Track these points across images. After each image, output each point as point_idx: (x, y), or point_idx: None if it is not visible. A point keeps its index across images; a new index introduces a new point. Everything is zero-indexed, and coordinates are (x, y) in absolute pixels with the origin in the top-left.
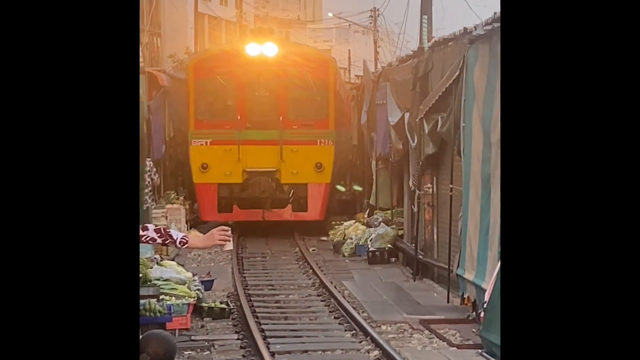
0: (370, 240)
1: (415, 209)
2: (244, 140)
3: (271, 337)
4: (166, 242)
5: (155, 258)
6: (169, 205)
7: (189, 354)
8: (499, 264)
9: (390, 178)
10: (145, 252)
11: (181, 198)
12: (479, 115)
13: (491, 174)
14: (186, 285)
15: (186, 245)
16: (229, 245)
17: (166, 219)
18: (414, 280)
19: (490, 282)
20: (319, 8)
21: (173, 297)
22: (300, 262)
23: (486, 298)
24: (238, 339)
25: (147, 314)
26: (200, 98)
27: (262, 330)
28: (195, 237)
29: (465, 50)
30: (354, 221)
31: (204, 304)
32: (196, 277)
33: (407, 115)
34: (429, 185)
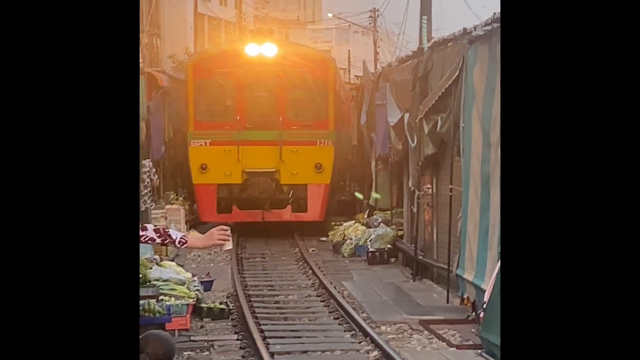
0: (370, 241)
1: (415, 210)
2: (243, 141)
3: (271, 337)
4: (165, 242)
5: (154, 259)
6: (168, 206)
7: (188, 354)
8: (498, 264)
9: (390, 178)
10: (145, 252)
11: (181, 199)
12: (478, 115)
13: (490, 174)
14: (185, 285)
15: (185, 245)
16: (229, 245)
17: (166, 219)
18: (414, 281)
19: (489, 283)
20: (318, 9)
21: (172, 298)
22: (300, 263)
23: (485, 298)
24: (237, 339)
25: (147, 314)
26: (199, 98)
27: (262, 331)
28: (195, 237)
29: (464, 51)
30: (353, 222)
31: (203, 305)
32: (195, 278)
33: (406, 115)
34: (429, 185)
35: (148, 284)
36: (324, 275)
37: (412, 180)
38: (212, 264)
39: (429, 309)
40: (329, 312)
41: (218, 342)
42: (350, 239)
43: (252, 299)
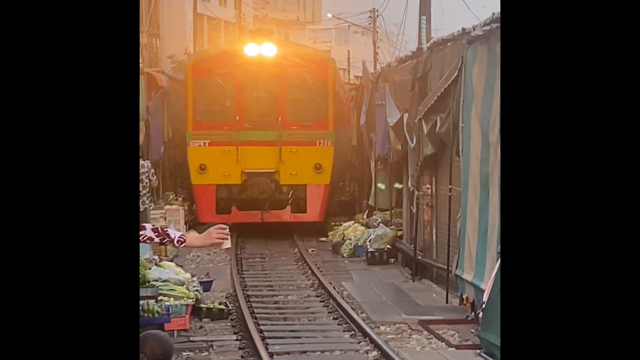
0: (370, 241)
1: (414, 210)
2: (242, 141)
3: (270, 337)
4: (164, 241)
5: (153, 259)
6: (167, 207)
7: (187, 354)
8: (497, 264)
9: (389, 179)
10: (144, 253)
11: (180, 199)
12: (477, 115)
13: (490, 174)
14: (185, 286)
15: (184, 244)
16: (227, 244)
17: (165, 220)
18: (413, 281)
19: (488, 283)
20: (318, 9)
21: (172, 298)
22: (299, 263)
23: (485, 298)
24: (237, 339)
25: (146, 314)
26: (198, 99)
27: (261, 331)
28: (193, 236)
29: (463, 51)
30: (353, 222)
31: (202, 305)
32: (195, 278)
33: (406, 115)
34: (428, 185)
35: (147, 284)
36: (324, 275)
37: (412, 181)
38: (211, 265)
39: (428, 309)
40: (329, 313)
41: (217, 343)
42: (350, 239)
43: (251, 300)
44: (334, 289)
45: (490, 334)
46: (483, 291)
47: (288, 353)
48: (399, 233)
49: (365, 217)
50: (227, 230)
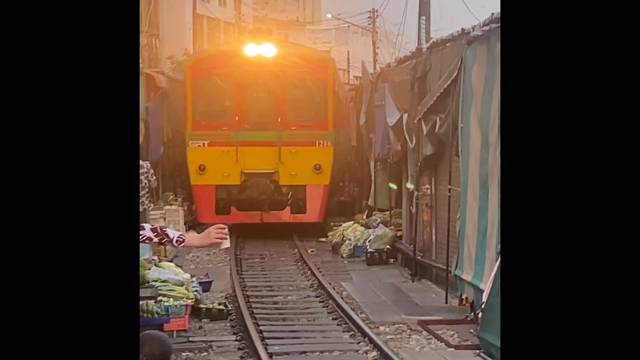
0: (369, 241)
1: (414, 210)
2: (242, 142)
3: (269, 338)
4: (163, 241)
5: (153, 259)
6: (167, 207)
7: (186, 355)
8: (496, 265)
9: (389, 179)
10: (143, 253)
11: (179, 199)
12: (476, 115)
13: (489, 174)
14: (184, 286)
15: (183, 244)
16: (226, 243)
17: (164, 220)
18: (413, 281)
19: (488, 283)
20: (317, 9)
21: (171, 299)
22: (299, 264)
23: (484, 299)
24: (236, 340)
25: (145, 315)
26: (197, 99)
27: (260, 332)
28: (192, 236)
29: (463, 51)
30: (352, 222)
31: (202, 305)
32: (194, 279)
33: (405, 116)
34: (427, 186)
35: (147, 284)
36: (323, 275)
37: (411, 181)
38: (210, 265)
39: (427, 309)
40: (328, 313)
41: (216, 343)
42: (349, 239)
43: (250, 300)
44: (334, 289)
45: (490, 334)
46: (482, 291)
47: (287, 353)
48: (399, 233)
49: (364, 217)
50: (226, 230)
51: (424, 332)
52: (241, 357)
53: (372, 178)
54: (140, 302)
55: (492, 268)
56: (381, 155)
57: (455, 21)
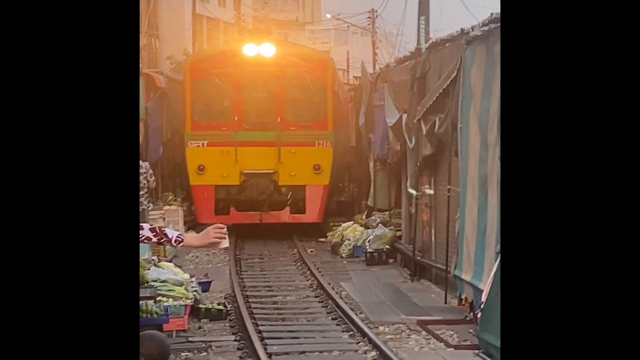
0: (368, 242)
1: (413, 210)
2: (241, 142)
3: (268, 338)
4: (161, 241)
5: (152, 259)
6: (166, 207)
7: (186, 355)
8: (495, 265)
9: (388, 179)
10: (143, 253)
11: (179, 200)
12: (475, 116)
13: (488, 174)
14: (183, 286)
15: (181, 244)
16: (225, 243)
17: (164, 220)
18: (412, 281)
19: (487, 283)
20: (317, 9)
21: (170, 299)
22: (298, 264)
23: (483, 299)
24: (235, 340)
25: (144, 315)
26: (196, 99)
27: (260, 332)
28: (191, 236)
29: (462, 51)
30: (352, 222)
31: (201, 306)
32: (193, 279)
33: (404, 116)
34: (427, 186)
35: (146, 284)
36: (322, 276)
37: (411, 181)
38: (210, 265)
39: (427, 309)
40: (327, 313)
41: (216, 343)
42: (349, 239)
43: (250, 300)
44: (333, 289)
45: (489, 334)
46: (481, 291)
47: (286, 353)
48: (398, 233)
49: (364, 217)
50: (225, 229)
51: (423, 332)
52: (240, 357)
53: (372, 178)
54: (140, 302)
55: (492, 268)
56: (380, 155)
57: (454, 21)
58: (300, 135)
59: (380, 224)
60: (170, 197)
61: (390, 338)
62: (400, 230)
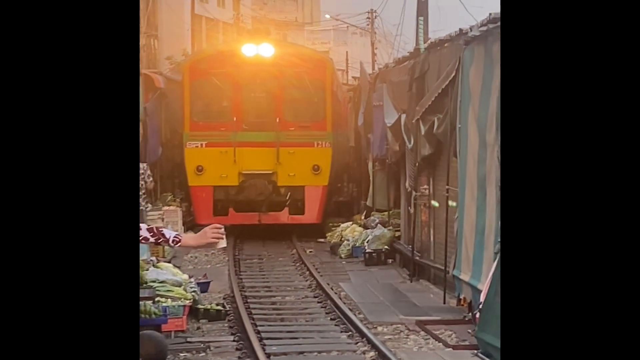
0: (367, 242)
1: (412, 211)
2: (240, 142)
3: (267, 338)
4: (159, 241)
5: (151, 260)
6: (165, 208)
7: (184, 355)
8: (494, 265)
9: (387, 179)
10: (142, 254)
11: (178, 200)
12: (474, 116)
13: (487, 174)
14: (182, 287)
15: (179, 244)
16: (222, 243)
17: (163, 221)
18: (411, 282)
19: (486, 283)
20: (316, 10)
21: (169, 299)
22: (297, 264)
23: (482, 299)
24: (234, 340)
25: (143, 315)
26: (195, 99)
27: (258, 332)
28: (188, 236)
29: (461, 52)
30: (351, 223)
31: (200, 306)
32: (192, 279)
33: (403, 116)
34: (426, 186)
35: (145, 285)
36: (321, 276)
37: (409, 181)
38: (209, 266)
39: (425, 309)
40: (326, 313)
41: (214, 344)
42: (348, 240)
43: (248, 300)
44: (332, 289)
45: (488, 334)
46: (480, 291)
47: (285, 354)
48: (397, 234)
49: (363, 218)
50: (222, 229)
51: (422, 332)
52: (239, 357)
53: (371, 178)
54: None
55: (490, 268)
56: (379, 155)
57: (453, 22)
58: (299, 136)
59: (379, 225)
60: (169, 197)
61: (389, 338)
62: (399, 230)
